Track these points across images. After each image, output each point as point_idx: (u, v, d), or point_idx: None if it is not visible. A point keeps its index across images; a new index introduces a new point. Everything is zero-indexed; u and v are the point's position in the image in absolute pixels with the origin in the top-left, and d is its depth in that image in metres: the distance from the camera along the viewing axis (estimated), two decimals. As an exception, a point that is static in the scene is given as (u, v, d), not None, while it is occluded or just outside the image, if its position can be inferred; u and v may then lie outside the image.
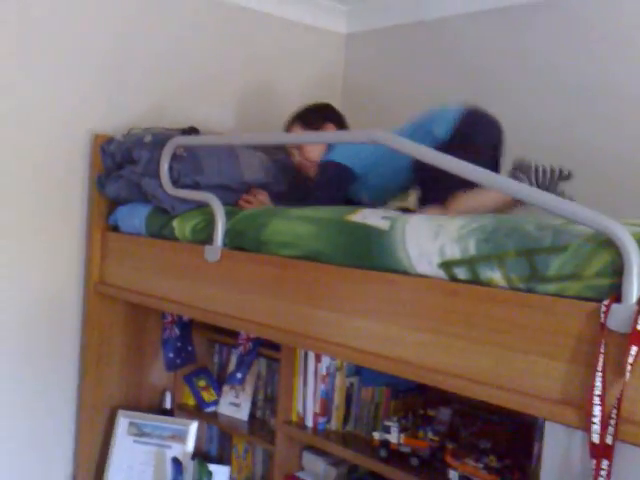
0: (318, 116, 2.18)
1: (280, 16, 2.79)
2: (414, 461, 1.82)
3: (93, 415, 2.41)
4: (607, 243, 1.11)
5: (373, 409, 2.07)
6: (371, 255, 1.49)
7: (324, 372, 2.14)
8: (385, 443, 1.88)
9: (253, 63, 2.76)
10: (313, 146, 2.13)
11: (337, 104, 3.01)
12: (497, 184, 1.31)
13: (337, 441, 2.06)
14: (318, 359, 2.15)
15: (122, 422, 2.39)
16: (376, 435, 1.91)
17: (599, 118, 2.26)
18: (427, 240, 1.39)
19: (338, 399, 2.13)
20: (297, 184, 2.24)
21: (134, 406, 2.50)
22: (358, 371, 2.13)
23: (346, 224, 1.58)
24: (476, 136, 1.81)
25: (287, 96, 2.85)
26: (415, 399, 2.05)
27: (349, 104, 2.82)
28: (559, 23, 2.36)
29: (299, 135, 2.13)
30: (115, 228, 2.30)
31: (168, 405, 2.58)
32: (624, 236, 1.07)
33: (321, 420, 2.14)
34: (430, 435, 1.84)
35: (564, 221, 1.22)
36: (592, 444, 1.08)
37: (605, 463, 1.06)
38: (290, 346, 2.16)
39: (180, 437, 2.36)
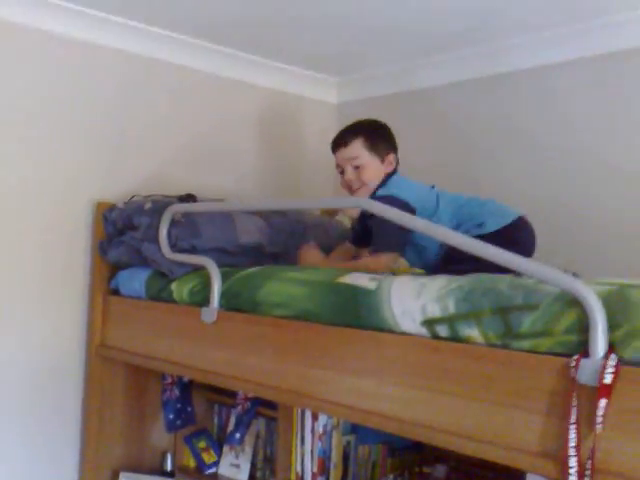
0: (386, 144, 2.09)
1: (274, 88, 2.94)
2: (411, 518, 1.84)
3: (95, 477, 2.43)
4: (574, 302, 1.17)
5: (370, 467, 2.10)
6: (359, 314, 1.55)
7: (321, 430, 2.16)
8: (381, 501, 1.90)
9: (248, 131, 2.89)
10: (373, 166, 2.05)
11: (332, 170, 3.15)
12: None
13: (335, 500, 2.08)
14: (315, 417, 2.18)
15: (123, 484, 2.41)
16: (372, 493, 1.93)
17: (576, 182, 2.35)
18: (410, 299, 1.45)
19: (335, 457, 2.15)
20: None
21: (135, 468, 2.52)
22: (354, 429, 2.16)
23: (336, 285, 1.65)
24: (519, 239, 1.92)
25: (283, 162, 2.97)
26: (411, 457, 2.08)
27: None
28: (539, 91, 2.48)
29: (290, 201, 2.21)
30: (116, 292, 2.38)
31: (169, 467, 2.59)
32: (588, 295, 1.14)
33: (319, 479, 2.16)
34: (425, 492, 1.86)
35: (535, 281, 1.29)
36: (570, 495, 1.12)
37: (583, 513, 1.10)
38: (287, 405, 2.20)
39: (180, 499, 2.38)
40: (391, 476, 1.92)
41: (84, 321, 2.44)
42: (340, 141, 2.10)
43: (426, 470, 1.96)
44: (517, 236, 1.92)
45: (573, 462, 1.12)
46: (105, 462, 2.45)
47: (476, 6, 2.17)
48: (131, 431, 2.54)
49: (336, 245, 2.35)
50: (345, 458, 2.14)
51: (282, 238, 2.32)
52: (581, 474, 1.11)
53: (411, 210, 1.90)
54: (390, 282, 1.55)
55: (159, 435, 2.61)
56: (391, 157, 2.08)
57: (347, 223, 2.62)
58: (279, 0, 2.19)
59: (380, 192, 2.01)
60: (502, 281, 1.34)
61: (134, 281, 2.26)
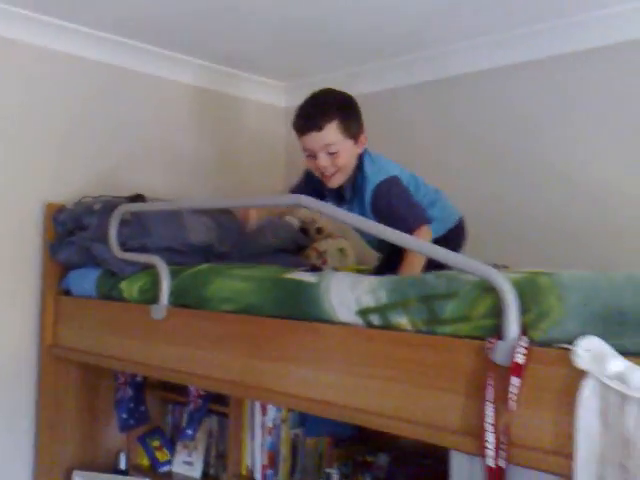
0: (358, 123, 1.91)
1: (224, 92, 3.00)
2: (354, 505, 1.91)
3: (49, 476, 2.45)
4: (490, 289, 1.26)
5: (317, 458, 2.16)
6: (301, 306, 1.62)
7: (270, 424, 2.23)
8: (327, 489, 1.97)
9: (199, 134, 2.94)
10: (348, 150, 1.87)
11: (281, 171, 3.21)
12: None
13: (284, 491, 2.15)
14: (264, 412, 2.24)
15: (76, 483, 2.43)
16: (318, 483, 2.00)
17: (516, 181, 2.46)
18: (347, 291, 1.53)
19: (284, 450, 2.21)
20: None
21: (89, 467, 2.54)
22: (302, 422, 2.22)
23: (280, 280, 1.72)
24: (457, 240, 2.05)
25: (233, 165, 3.03)
26: (356, 447, 2.15)
27: (292, 171, 3.00)
28: (482, 96, 2.58)
29: (233, 200, 2.20)
30: (67, 292, 2.41)
31: (123, 466, 2.62)
32: (502, 282, 1.23)
33: (269, 472, 2.22)
34: (369, 480, 1.94)
35: (458, 272, 1.38)
36: (488, 468, 1.20)
37: (498, 485, 1.19)
38: (238, 400, 2.26)
39: (133, 496, 2.41)
40: (335, 466, 1.99)
41: (36, 321, 2.46)
42: (311, 125, 1.84)
43: (369, 459, 2.04)
44: (455, 237, 2.03)
45: (490, 437, 1.20)
46: (58, 461, 2.47)
47: (419, 12, 2.26)
48: (84, 430, 2.56)
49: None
50: (293, 450, 2.20)
51: (231, 237, 2.38)
52: (497, 448, 1.19)
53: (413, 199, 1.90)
54: (330, 276, 1.62)
55: (113, 434, 2.64)
56: (363, 137, 1.91)
57: (296, 224, 2.69)
58: (230, 6, 2.25)
59: (376, 175, 1.89)
60: (429, 273, 1.43)
61: (85, 281, 2.29)
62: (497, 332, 1.24)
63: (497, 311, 1.24)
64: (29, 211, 2.41)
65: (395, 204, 1.85)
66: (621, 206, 2.21)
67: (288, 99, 3.19)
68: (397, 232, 1.46)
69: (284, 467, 2.20)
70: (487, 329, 1.27)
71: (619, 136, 2.24)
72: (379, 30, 2.44)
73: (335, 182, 1.91)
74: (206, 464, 2.53)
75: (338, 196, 1.99)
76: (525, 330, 1.21)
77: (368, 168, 1.91)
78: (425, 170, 2.67)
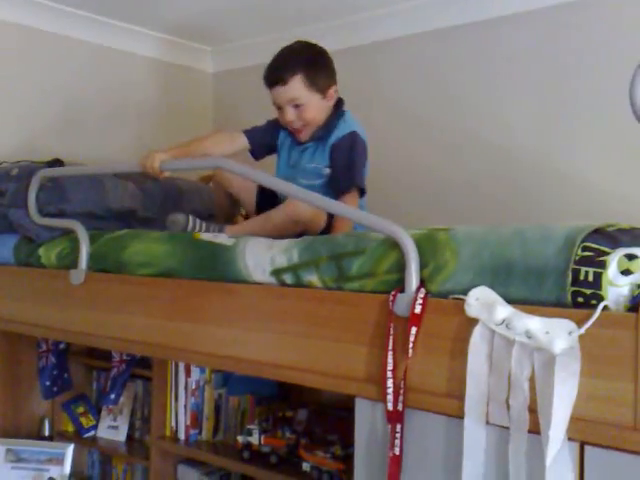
0: (326, 77, 1.91)
1: (147, 55, 2.97)
2: (273, 459, 1.98)
3: (-32, 446, 2.43)
4: (394, 245, 1.34)
5: (239, 417, 2.23)
6: (216, 268, 1.66)
7: (194, 386, 2.28)
8: (248, 445, 2.03)
9: (124, 99, 2.91)
10: (315, 104, 1.89)
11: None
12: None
13: (208, 450, 2.20)
14: (188, 374, 2.28)
15: (-1, 450, 2.42)
16: (240, 439, 2.06)
17: (440, 149, 2.55)
18: (261, 251, 1.58)
19: (208, 410, 2.27)
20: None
21: (13, 434, 2.52)
22: (225, 382, 2.28)
23: (196, 242, 1.75)
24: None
25: (160, 130, 3.01)
26: (277, 405, 2.22)
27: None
28: (406, 62, 2.64)
29: (123, 164, 2.23)
30: (-15, 260, 2.36)
31: (47, 432, 2.62)
32: (405, 238, 1.31)
33: (193, 432, 2.27)
34: (287, 434, 2.01)
35: (366, 231, 1.45)
36: (387, 412, 1.29)
37: (398, 427, 1.28)
38: (161, 363, 2.29)
39: (58, 460, 2.42)
40: (256, 422, 2.06)
41: (-48, 290, 2.40)
42: (276, 79, 1.88)
43: (289, 414, 2.11)
44: None
45: (390, 383, 1.28)
46: (-21, 430, 2.45)
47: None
48: (7, 399, 2.54)
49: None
50: (217, 410, 2.26)
51: (155, 203, 2.38)
52: (396, 394, 1.28)
53: (366, 151, 1.95)
54: (247, 239, 1.67)
55: (36, 402, 2.62)
56: (332, 90, 1.92)
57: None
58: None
59: (340, 129, 1.92)
60: (340, 234, 1.50)
61: (2, 248, 2.26)
62: (399, 286, 1.32)
63: (400, 266, 1.32)
64: (-58, 176, 2.34)
65: (348, 156, 1.90)
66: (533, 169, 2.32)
67: (215, 65, 3.18)
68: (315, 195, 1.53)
69: (207, 426, 2.26)
70: (391, 283, 1.34)
71: (535, 101, 2.34)
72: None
73: (305, 135, 1.95)
74: (131, 428, 2.56)
75: (294, 140, 2.00)
76: (424, 283, 1.29)
77: (338, 121, 1.94)
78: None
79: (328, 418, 2.05)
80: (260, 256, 1.58)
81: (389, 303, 1.31)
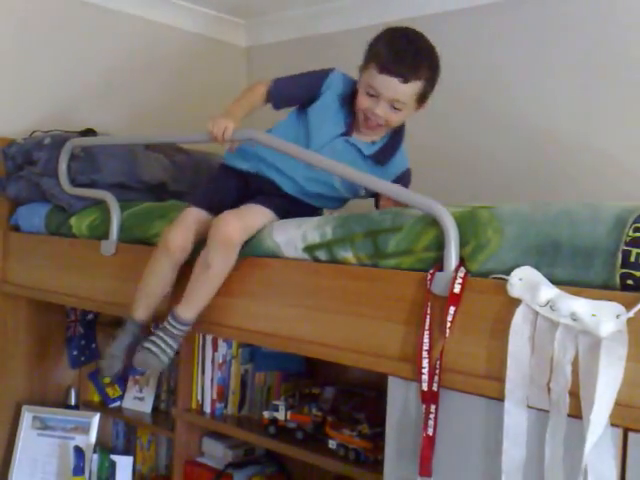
0: (432, 93, 1.69)
1: (181, 28, 2.93)
2: (299, 435, 1.97)
3: (-2, 412, 2.47)
4: (433, 222, 1.31)
5: (266, 392, 2.22)
6: (244, 247, 1.64)
7: (220, 360, 2.27)
8: (274, 420, 2.03)
9: (156, 71, 2.88)
10: (410, 112, 1.69)
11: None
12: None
13: (233, 424, 2.20)
14: (215, 348, 2.28)
15: (26, 417, 2.45)
16: (266, 414, 2.05)
17: (487, 128, 2.49)
18: (292, 229, 1.57)
19: (234, 385, 2.26)
20: None
21: (39, 402, 2.55)
22: (252, 358, 2.27)
23: None
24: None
25: (191, 104, 2.98)
26: (303, 381, 2.21)
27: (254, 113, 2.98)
28: (448, 39, 2.56)
29: (186, 136, 2.07)
30: (17, 228, 2.37)
31: (73, 402, 2.64)
32: (445, 215, 1.28)
33: (218, 406, 2.27)
34: (314, 411, 2.00)
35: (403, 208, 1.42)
36: (422, 392, 1.27)
37: (433, 407, 1.26)
38: (189, 336, 2.27)
39: (83, 429, 2.44)
40: (282, 398, 2.05)
41: (-16, 258, 2.42)
42: (400, 71, 1.60)
43: (315, 391, 2.10)
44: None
45: (425, 363, 1.26)
46: (8, 396, 2.47)
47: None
48: (35, 367, 2.56)
49: None
50: (243, 385, 2.25)
51: (186, 176, 2.38)
52: (431, 374, 1.26)
53: None
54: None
55: (63, 371, 2.65)
56: (427, 103, 1.72)
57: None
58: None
59: (401, 158, 1.79)
60: (373, 210, 1.47)
61: (34, 216, 2.27)
62: (437, 264, 1.29)
63: (439, 244, 1.29)
64: (-24, 144, 2.35)
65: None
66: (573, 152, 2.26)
67: (249, 39, 3.14)
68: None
69: (233, 400, 2.25)
70: (428, 261, 1.32)
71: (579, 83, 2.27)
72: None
73: (379, 134, 1.74)
74: (157, 399, 2.57)
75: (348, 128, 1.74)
76: (463, 262, 1.26)
77: (400, 145, 1.79)
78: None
79: (355, 397, 2.04)
80: (290, 233, 1.57)
81: (427, 282, 1.28)
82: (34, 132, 2.33)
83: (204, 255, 1.63)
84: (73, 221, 2.11)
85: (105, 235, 2.01)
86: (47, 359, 2.60)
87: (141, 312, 1.80)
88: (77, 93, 2.62)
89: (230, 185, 1.81)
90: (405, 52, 1.61)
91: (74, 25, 2.60)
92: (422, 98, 1.66)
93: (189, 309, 1.67)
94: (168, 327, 1.68)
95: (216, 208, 1.73)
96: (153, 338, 1.68)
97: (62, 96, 2.57)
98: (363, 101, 1.67)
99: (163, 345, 1.68)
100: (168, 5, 2.82)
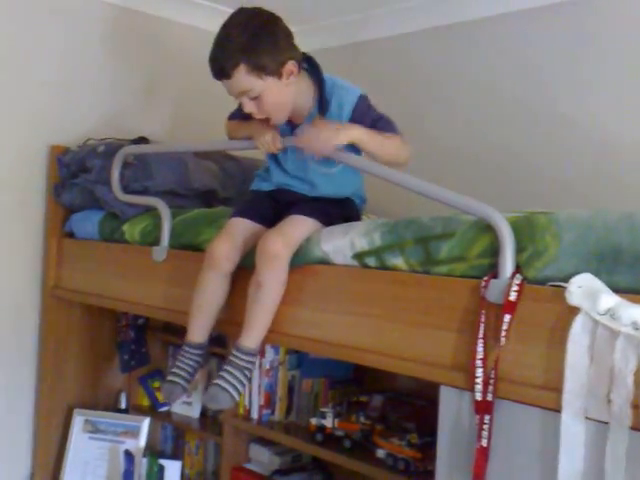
0: (274, 56, 1.60)
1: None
2: (347, 443, 1.96)
3: (50, 415, 2.51)
4: (487, 228, 1.28)
5: (313, 399, 2.22)
6: (292, 257, 1.63)
7: (268, 366, 2.28)
8: (321, 428, 2.02)
9: (206, 79, 2.91)
10: (273, 90, 1.62)
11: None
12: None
13: (280, 430, 2.20)
14: (262, 354, 2.29)
15: (78, 420, 2.50)
16: (313, 421, 2.05)
17: (529, 131, 2.44)
18: (339, 237, 1.56)
19: (281, 391, 2.27)
20: None
21: (90, 406, 2.60)
22: (299, 364, 2.27)
23: None
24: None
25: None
26: (351, 389, 2.20)
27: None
28: (497, 42, 2.54)
29: (235, 143, 1.95)
30: (71, 234, 2.43)
31: (123, 405, 2.68)
32: (500, 221, 1.25)
33: (265, 412, 2.28)
34: (362, 419, 1.99)
35: (453, 213, 1.40)
36: (476, 402, 1.24)
37: (487, 418, 1.23)
38: (235, 341, 2.30)
39: (133, 433, 2.47)
40: (330, 405, 2.04)
41: (39, 263, 2.49)
42: (219, 73, 1.64)
43: (363, 399, 2.09)
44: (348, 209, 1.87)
45: (479, 372, 1.24)
46: (60, 400, 2.53)
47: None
48: (86, 371, 2.61)
49: None
50: (290, 392, 2.26)
51: (235, 183, 2.40)
52: (486, 383, 1.23)
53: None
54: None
55: (114, 375, 2.69)
56: (289, 66, 1.62)
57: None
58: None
59: (353, 89, 1.70)
60: (423, 216, 1.45)
61: (87, 223, 2.32)
62: (492, 271, 1.27)
63: (493, 250, 1.27)
64: (34, 153, 2.41)
65: (377, 117, 1.68)
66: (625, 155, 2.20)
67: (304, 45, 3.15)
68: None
69: (280, 407, 2.26)
70: (482, 268, 1.29)
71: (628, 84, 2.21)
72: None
73: (277, 121, 1.70)
74: (204, 404, 2.59)
75: (288, 123, 1.74)
76: (520, 268, 1.23)
77: (337, 83, 1.70)
78: (434, 117, 2.68)
79: (404, 405, 2.02)
80: (337, 241, 1.56)
81: (481, 289, 1.26)
82: (88, 140, 2.39)
83: (255, 277, 1.62)
84: (126, 227, 2.15)
85: (156, 241, 2.03)
86: (98, 363, 2.65)
87: (196, 334, 1.77)
88: (128, 100, 2.67)
89: (264, 203, 1.82)
90: (213, 50, 1.64)
91: (125, 33, 2.66)
92: (262, 71, 1.59)
93: (250, 337, 1.63)
94: (234, 360, 1.63)
95: (258, 217, 1.76)
96: (222, 373, 1.62)
97: (114, 104, 2.63)
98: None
99: (232, 379, 1.61)
100: (217, 13, 2.84)
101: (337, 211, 1.74)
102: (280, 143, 1.67)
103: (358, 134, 1.59)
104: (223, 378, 1.60)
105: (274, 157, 1.79)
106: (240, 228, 1.75)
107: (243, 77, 1.59)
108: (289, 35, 1.66)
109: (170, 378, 1.77)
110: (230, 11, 1.67)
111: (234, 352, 1.63)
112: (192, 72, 2.86)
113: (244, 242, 1.72)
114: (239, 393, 1.62)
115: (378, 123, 1.66)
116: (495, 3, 2.50)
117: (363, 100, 1.68)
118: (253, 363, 1.64)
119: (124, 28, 2.66)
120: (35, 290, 2.49)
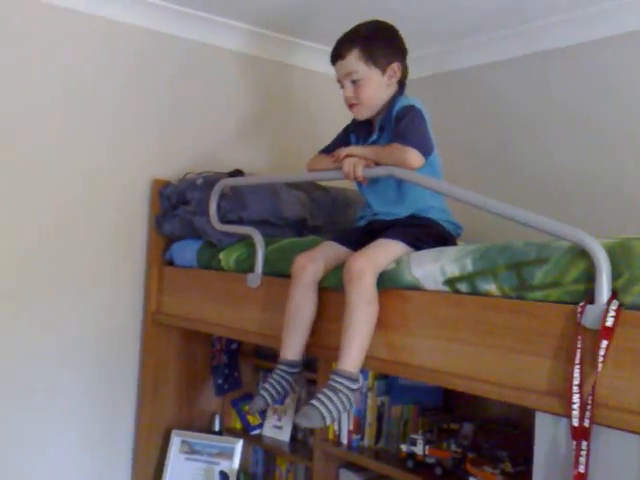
0: (387, 51, 1.84)
1: (316, 70, 3.07)
2: (438, 470, 1.96)
3: (150, 435, 2.63)
4: (582, 254, 1.29)
5: (402, 426, 2.23)
6: (384, 282, 1.68)
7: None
8: (412, 455, 2.03)
9: (293, 112, 3.04)
10: (374, 80, 1.83)
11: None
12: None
13: (369, 456, 2.23)
14: (351, 380, 2.32)
15: (175, 441, 2.61)
16: (403, 447, 2.06)
17: (617, 157, 2.41)
18: (429, 263, 1.59)
19: (370, 417, 2.29)
20: None
21: (186, 427, 2.71)
22: (388, 391, 2.30)
23: None
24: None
25: (301, 136, 3.07)
26: (441, 416, 2.20)
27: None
28: (577, 70, 2.54)
29: (322, 174, 2.01)
30: (171, 263, 2.57)
31: (217, 427, 2.78)
32: (596, 247, 1.25)
33: (355, 437, 2.31)
34: (453, 447, 1.99)
35: (547, 239, 1.41)
36: (573, 428, 1.24)
37: (584, 444, 1.22)
38: (326, 366, 2.35)
39: (227, 454, 2.56)
40: (420, 432, 2.05)
41: (142, 290, 2.64)
42: (335, 53, 1.88)
43: (453, 427, 2.09)
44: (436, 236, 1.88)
45: (576, 398, 1.23)
46: (159, 420, 2.65)
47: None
48: (183, 394, 2.73)
49: None
50: (379, 417, 2.28)
51: (324, 212, 2.48)
52: (583, 409, 1.23)
53: (424, 119, 1.81)
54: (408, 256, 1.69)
55: (208, 398, 2.80)
56: (395, 66, 1.85)
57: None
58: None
59: (402, 102, 1.83)
60: (515, 241, 1.46)
61: (186, 252, 2.45)
62: (587, 296, 1.27)
63: (588, 276, 1.27)
64: (138, 187, 2.59)
65: (410, 118, 1.77)
66: None
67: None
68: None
69: (370, 432, 2.28)
70: (577, 294, 1.29)
71: None
72: (469, 6, 2.46)
73: (359, 113, 1.89)
74: (295, 428, 2.65)
75: (367, 131, 1.92)
76: (616, 294, 1.23)
77: (398, 101, 1.84)
78: (518, 146, 2.68)
79: (495, 433, 2.01)
80: (428, 267, 1.59)
81: (577, 315, 1.26)
82: (187, 174, 2.54)
83: (346, 300, 1.66)
84: (222, 255, 2.26)
85: (250, 268, 2.13)
86: (194, 386, 2.76)
87: (288, 351, 1.82)
88: (223, 135, 2.82)
89: (358, 232, 1.95)
90: (336, 42, 1.89)
91: (221, 73, 2.82)
92: (371, 59, 1.81)
93: (347, 361, 1.63)
94: (330, 382, 1.64)
95: (348, 242, 1.87)
96: (319, 395, 1.64)
97: (210, 139, 2.78)
98: (343, 97, 1.90)
99: (325, 400, 1.62)
100: (318, 53, 2.95)
101: (424, 234, 1.78)
102: (361, 170, 1.77)
103: (362, 152, 1.80)
104: (317, 398, 1.64)
105: (363, 193, 1.98)
106: (326, 247, 1.87)
107: (354, 60, 1.83)
108: (404, 48, 1.90)
109: (260, 391, 1.86)
110: (329, 50, 1.91)
111: (331, 375, 1.67)
112: (284, 109, 3.01)
113: (326, 258, 1.82)
114: (331, 414, 1.62)
115: (400, 129, 1.77)
116: (576, 32, 2.51)
117: (408, 108, 1.80)
118: (351, 389, 1.64)
119: (224, 66, 2.82)
120: (137, 315, 2.64)
